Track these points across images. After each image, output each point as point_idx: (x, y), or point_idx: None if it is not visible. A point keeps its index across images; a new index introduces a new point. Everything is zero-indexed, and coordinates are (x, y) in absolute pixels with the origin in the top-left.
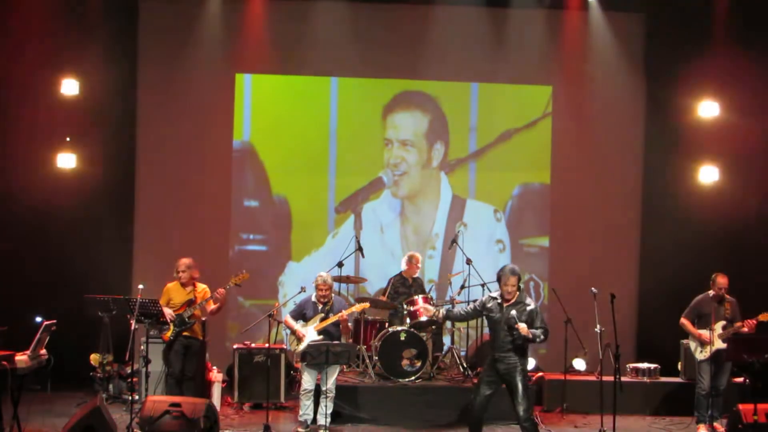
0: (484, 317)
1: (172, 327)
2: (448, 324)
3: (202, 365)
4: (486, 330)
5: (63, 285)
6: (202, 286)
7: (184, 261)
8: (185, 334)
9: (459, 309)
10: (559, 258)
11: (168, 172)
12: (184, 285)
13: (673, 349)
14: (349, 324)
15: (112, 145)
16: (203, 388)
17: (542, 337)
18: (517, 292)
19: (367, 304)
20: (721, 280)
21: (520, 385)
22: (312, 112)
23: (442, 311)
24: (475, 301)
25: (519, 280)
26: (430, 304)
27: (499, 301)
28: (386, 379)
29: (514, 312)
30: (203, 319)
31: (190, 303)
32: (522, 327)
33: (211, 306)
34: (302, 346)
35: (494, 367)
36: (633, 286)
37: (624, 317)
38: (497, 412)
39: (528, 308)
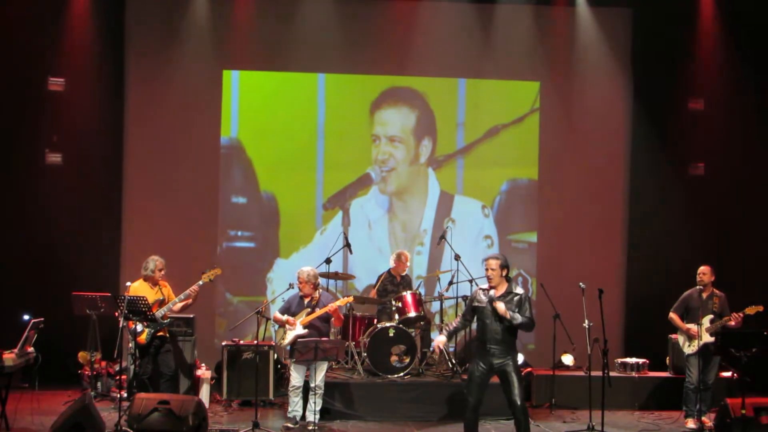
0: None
1: (146, 329)
2: (437, 320)
3: (180, 362)
4: (474, 326)
5: (51, 282)
6: (165, 284)
7: (161, 261)
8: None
9: (454, 322)
10: (547, 253)
11: (156, 169)
12: (152, 284)
13: (661, 344)
14: (341, 314)
15: (100, 142)
16: (188, 386)
17: (520, 320)
18: (506, 283)
19: (350, 298)
20: (701, 269)
21: (515, 376)
22: (300, 109)
23: (445, 333)
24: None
25: (505, 267)
26: (418, 300)
27: (490, 292)
28: (375, 376)
29: (492, 293)
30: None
31: (161, 303)
32: (499, 305)
33: (179, 305)
34: (289, 338)
35: (486, 361)
36: (621, 281)
37: (612, 312)
38: (487, 408)
39: (516, 298)
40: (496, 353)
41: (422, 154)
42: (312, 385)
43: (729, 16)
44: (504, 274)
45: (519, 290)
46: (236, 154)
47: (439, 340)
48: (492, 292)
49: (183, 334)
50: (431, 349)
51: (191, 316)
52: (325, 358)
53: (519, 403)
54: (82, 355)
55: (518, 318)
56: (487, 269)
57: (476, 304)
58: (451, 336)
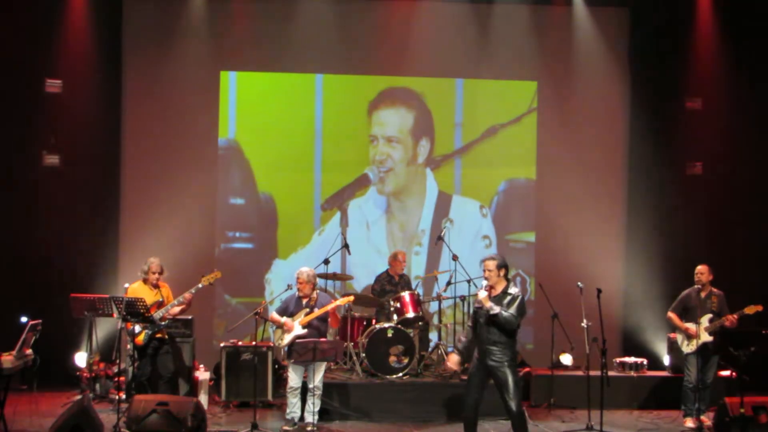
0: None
1: (144, 331)
2: (436, 320)
3: (179, 364)
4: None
5: (49, 284)
6: (165, 286)
7: (159, 262)
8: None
9: (464, 336)
10: (545, 253)
11: (153, 170)
12: (151, 286)
13: (659, 343)
14: (338, 315)
15: (97, 143)
16: (187, 387)
17: (497, 311)
18: (505, 282)
19: (351, 297)
20: (698, 269)
21: (510, 379)
22: (297, 110)
23: (457, 350)
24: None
25: (502, 267)
26: (417, 300)
27: (483, 291)
28: (373, 376)
29: (485, 292)
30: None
31: (160, 305)
32: (480, 292)
33: (176, 309)
34: (287, 339)
35: (483, 362)
36: (619, 280)
37: (610, 312)
38: (486, 408)
39: (507, 298)
40: (491, 354)
41: (420, 154)
42: (311, 386)
43: (726, 14)
44: (502, 274)
45: (512, 290)
46: (234, 156)
47: (452, 360)
48: (484, 291)
49: (181, 335)
50: (444, 369)
51: (189, 317)
52: (324, 359)
53: (514, 408)
54: (80, 357)
55: (496, 309)
56: (484, 270)
57: (476, 306)
58: (465, 352)
